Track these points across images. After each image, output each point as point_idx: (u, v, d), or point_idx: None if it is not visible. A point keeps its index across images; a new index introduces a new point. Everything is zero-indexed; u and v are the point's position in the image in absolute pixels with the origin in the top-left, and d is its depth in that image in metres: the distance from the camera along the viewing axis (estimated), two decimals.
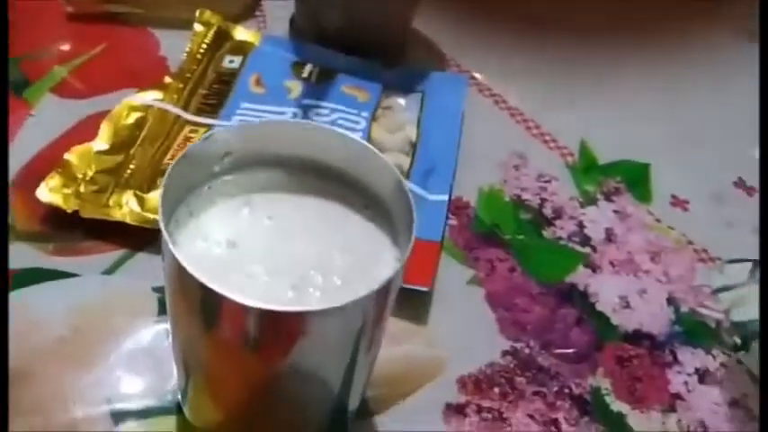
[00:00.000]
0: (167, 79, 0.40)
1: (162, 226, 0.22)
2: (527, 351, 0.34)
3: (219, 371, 0.26)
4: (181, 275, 0.22)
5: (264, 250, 0.25)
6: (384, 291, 0.23)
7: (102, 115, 0.38)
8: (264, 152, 0.26)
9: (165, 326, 0.32)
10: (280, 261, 0.24)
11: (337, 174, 0.27)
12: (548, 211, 0.40)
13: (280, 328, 0.22)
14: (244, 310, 0.21)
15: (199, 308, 0.23)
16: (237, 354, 0.24)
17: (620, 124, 0.45)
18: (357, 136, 0.36)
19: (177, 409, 0.30)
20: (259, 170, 0.26)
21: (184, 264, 0.21)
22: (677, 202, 0.42)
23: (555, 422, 0.32)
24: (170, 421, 0.29)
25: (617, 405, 0.33)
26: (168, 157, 0.37)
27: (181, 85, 0.40)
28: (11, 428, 0.28)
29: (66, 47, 0.42)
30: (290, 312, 0.21)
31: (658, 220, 0.41)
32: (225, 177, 0.26)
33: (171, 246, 0.22)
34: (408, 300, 0.34)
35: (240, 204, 0.26)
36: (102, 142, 0.37)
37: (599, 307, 0.36)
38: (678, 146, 0.45)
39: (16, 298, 0.32)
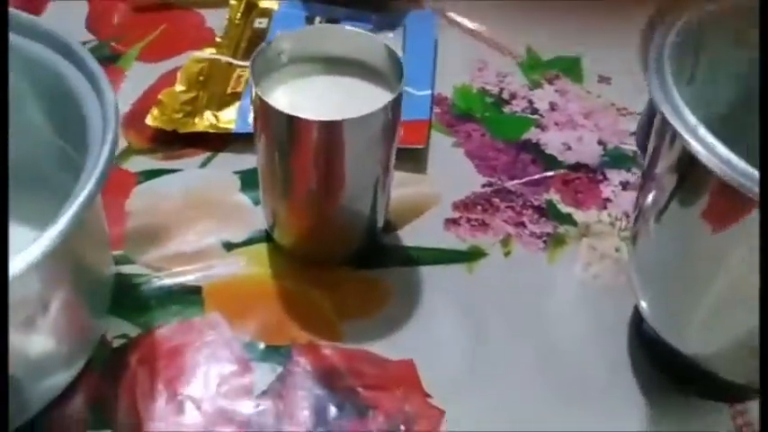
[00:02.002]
0: (218, 39, 0.55)
1: (253, 84, 0.37)
2: (499, 182, 0.49)
3: (295, 193, 0.40)
4: (267, 112, 0.37)
5: (312, 104, 0.39)
6: (390, 107, 0.37)
7: (174, 71, 0.53)
8: (305, 50, 0.41)
9: (247, 195, 0.47)
10: (321, 108, 0.38)
11: (351, 59, 0.41)
12: (505, 95, 0.54)
13: (331, 134, 0.37)
14: (309, 123, 0.36)
15: (277, 131, 0.37)
16: (307, 167, 0.38)
17: (556, 33, 0.59)
18: None
19: (267, 238, 0.44)
20: (303, 63, 0.41)
21: (269, 101, 0.36)
22: (602, 79, 0.56)
23: (522, 223, 0.46)
24: (263, 246, 0.44)
25: (565, 209, 0.47)
26: (229, 89, 0.51)
27: (227, 42, 0.55)
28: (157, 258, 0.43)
29: (138, 29, 0.57)
30: (337, 120, 0.36)
31: (589, 92, 0.55)
32: (283, 69, 0.40)
33: (259, 92, 0.36)
34: (411, 158, 0.48)
35: (295, 83, 0.40)
36: (180, 85, 0.51)
37: (548, 151, 0.51)
38: (601, 43, 0.59)
39: (146, 187, 0.47)
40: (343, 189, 0.40)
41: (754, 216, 0.29)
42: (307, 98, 0.39)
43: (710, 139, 0.29)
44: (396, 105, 0.38)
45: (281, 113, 0.37)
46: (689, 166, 0.32)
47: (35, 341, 0.33)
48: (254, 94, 0.37)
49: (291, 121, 0.37)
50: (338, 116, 0.37)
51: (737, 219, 0.30)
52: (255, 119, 0.39)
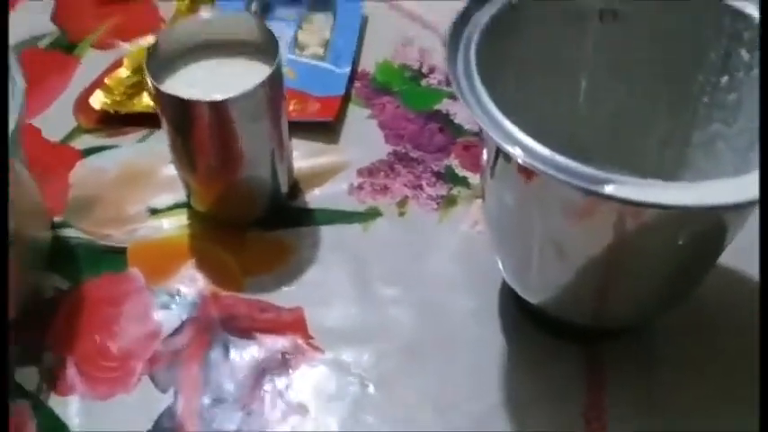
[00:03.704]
0: (163, 27, 0.61)
1: (148, 75, 0.42)
2: (403, 151, 0.53)
3: (199, 166, 0.46)
4: (163, 98, 0.42)
5: (202, 86, 0.44)
6: (269, 83, 0.42)
7: (123, 57, 0.59)
8: (192, 39, 0.46)
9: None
10: (209, 89, 0.43)
11: (234, 41, 0.46)
12: (425, 69, 0.59)
13: (218, 112, 0.42)
14: (198, 104, 0.42)
15: (175, 115, 0.43)
16: (204, 143, 0.44)
17: None
18: (288, 38, 0.57)
19: (188, 205, 0.50)
20: (192, 51, 0.46)
21: (163, 88, 0.41)
22: None
23: (420, 186, 0.51)
24: (184, 211, 0.50)
25: (462, 172, 0.52)
26: None
27: None
28: (91, 221, 0.49)
29: (97, 19, 0.63)
30: (221, 99, 0.41)
31: None
32: (175, 58, 0.46)
33: (155, 81, 0.42)
34: (325, 130, 0.53)
35: (186, 69, 0.45)
36: (125, 70, 0.57)
37: (456, 120, 0.55)
38: None
39: (88, 161, 0.53)
40: (240, 160, 0.45)
41: (539, 181, 0.34)
42: (197, 82, 0.45)
43: (494, 110, 0.34)
44: (274, 81, 0.43)
45: (173, 98, 0.42)
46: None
47: None
48: (149, 84, 0.43)
49: (182, 104, 0.43)
50: (223, 95, 0.42)
51: (532, 178, 0.35)
52: (156, 105, 0.45)
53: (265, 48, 0.45)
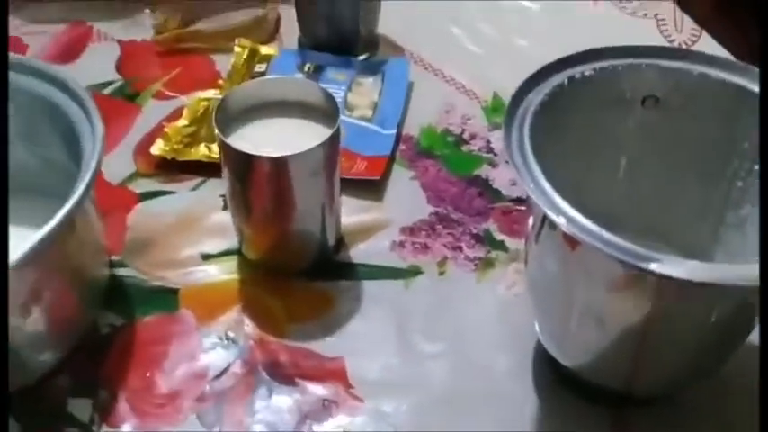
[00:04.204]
0: (220, 82, 0.64)
1: (216, 129, 0.45)
2: (445, 212, 0.56)
3: (254, 215, 0.49)
4: (228, 151, 0.45)
5: (264, 142, 0.47)
6: (328, 142, 0.45)
7: (182, 108, 0.63)
8: (257, 99, 0.49)
9: (228, 214, 0.55)
10: (271, 145, 0.46)
11: (295, 102, 0.49)
12: (466, 136, 0.62)
13: (278, 167, 0.45)
14: (260, 159, 0.44)
15: (237, 166, 0.46)
16: (262, 195, 0.47)
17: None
18: (338, 99, 0.60)
19: (238, 252, 0.53)
20: (256, 109, 0.49)
21: (226, 140, 0.45)
22: None
23: (460, 247, 0.54)
24: (234, 258, 0.53)
25: (500, 236, 0.54)
26: None
27: (229, 85, 0.64)
28: (147, 263, 0.51)
29: (158, 70, 0.67)
30: (282, 156, 0.44)
31: None
32: (241, 115, 0.49)
33: (221, 135, 0.45)
34: (370, 188, 0.56)
35: (250, 126, 0.48)
36: (184, 120, 0.61)
37: (494, 185, 0.58)
38: None
39: (145, 205, 0.56)
40: (294, 212, 0.48)
41: (582, 251, 0.36)
42: (259, 137, 0.48)
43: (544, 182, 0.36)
44: (333, 140, 0.46)
45: (238, 152, 0.45)
46: None
47: (30, 323, 0.42)
48: (216, 138, 0.46)
49: (247, 158, 0.46)
50: (284, 152, 0.45)
51: (575, 247, 0.37)
52: (220, 157, 0.48)
53: (322, 109, 0.49)
